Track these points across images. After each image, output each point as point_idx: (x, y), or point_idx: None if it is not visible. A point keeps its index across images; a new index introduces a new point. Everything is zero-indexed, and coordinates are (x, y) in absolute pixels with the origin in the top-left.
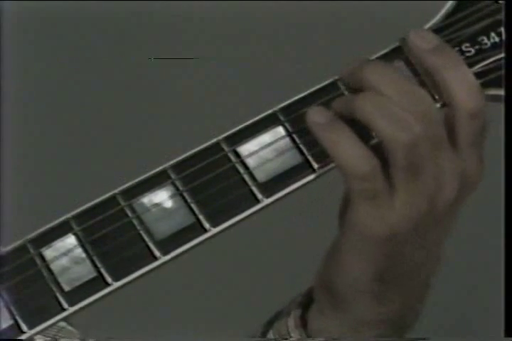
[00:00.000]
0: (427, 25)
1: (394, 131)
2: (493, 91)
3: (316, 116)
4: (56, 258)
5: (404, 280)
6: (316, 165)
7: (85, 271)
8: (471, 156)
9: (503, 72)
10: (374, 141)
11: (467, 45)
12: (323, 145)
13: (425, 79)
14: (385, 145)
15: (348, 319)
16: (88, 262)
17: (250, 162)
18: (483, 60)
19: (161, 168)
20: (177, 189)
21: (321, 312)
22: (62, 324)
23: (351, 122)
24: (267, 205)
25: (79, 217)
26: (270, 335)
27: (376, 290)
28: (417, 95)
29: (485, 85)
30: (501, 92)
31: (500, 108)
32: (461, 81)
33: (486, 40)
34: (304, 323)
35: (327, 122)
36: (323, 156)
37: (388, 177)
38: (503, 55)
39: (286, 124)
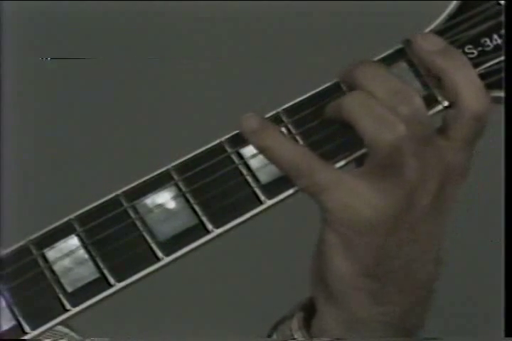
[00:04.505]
0: (430, 27)
1: (377, 131)
2: (494, 93)
3: (247, 122)
4: (59, 259)
5: (401, 279)
6: None
7: (88, 272)
8: (463, 153)
9: (503, 73)
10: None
11: (470, 46)
12: (257, 150)
13: (428, 80)
14: (366, 144)
15: (342, 316)
16: (91, 263)
17: (253, 163)
18: (486, 61)
19: (164, 169)
20: (180, 190)
21: (318, 311)
22: (66, 330)
23: (345, 127)
24: (270, 207)
25: (82, 218)
26: (274, 337)
27: (370, 287)
28: (406, 94)
29: (487, 87)
30: (502, 94)
31: (501, 109)
32: (469, 83)
33: (488, 42)
34: (307, 325)
35: (258, 127)
36: (328, 156)
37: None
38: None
39: (290, 126)
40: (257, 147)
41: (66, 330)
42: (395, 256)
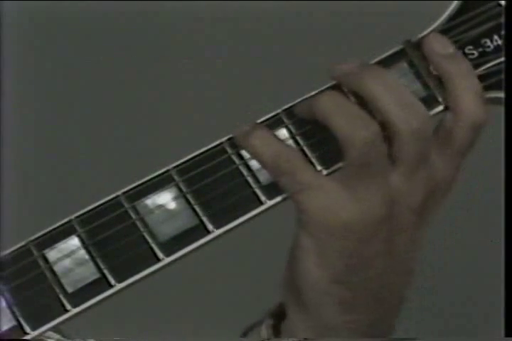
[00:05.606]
0: (431, 28)
1: (351, 127)
2: (494, 94)
3: (240, 128)
4: (59, 259)
5: (373, 289)
6: (319, 168)
7: (88, 273)
8: (453, 164)
9: (503, 74)
10: None
11: (470, 47)
12: (245, 151)
13: (428, 81)
14: (341, 142)
15: (312, 322)
16: (91, 263)
17: (254, 164)
18: (486, 62)
19: (164, 169)
20: (180, 191)
21: (288, 316)
22: (56, 335)
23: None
24: (270, 207)
25: (82, 219)
26: None
27: (341, 295)
28: (416, 108)
29: (487, 88)
30: (502, 95)
31: (501, 110)
32: (472, 92)
33: (489, 43)
34: (276, 332)
35: (248, 130)
36: (329, 157)
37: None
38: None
39: (290, 127)
40: (244, 147)
41: (56, 336)
42: (369, 265)
